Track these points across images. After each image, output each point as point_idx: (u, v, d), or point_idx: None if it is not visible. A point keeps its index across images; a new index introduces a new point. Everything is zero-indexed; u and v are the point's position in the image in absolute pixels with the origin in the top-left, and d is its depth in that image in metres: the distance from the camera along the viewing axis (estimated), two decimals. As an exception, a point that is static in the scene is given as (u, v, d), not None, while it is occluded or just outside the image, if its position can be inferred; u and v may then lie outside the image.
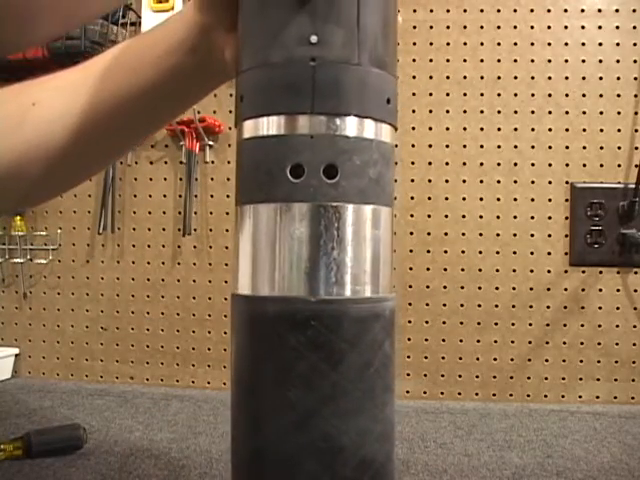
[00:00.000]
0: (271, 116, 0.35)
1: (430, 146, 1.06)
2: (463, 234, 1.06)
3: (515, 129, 1.05)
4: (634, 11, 1.03)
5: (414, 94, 1.06)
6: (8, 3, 0.46)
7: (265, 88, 0.35)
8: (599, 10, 1.04)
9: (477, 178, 1.06)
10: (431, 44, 1.06)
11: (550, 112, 1.05)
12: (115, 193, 1.12)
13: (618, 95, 1.04)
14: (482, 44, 1.06)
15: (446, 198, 1.06)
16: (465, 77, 1.06)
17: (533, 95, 1.05)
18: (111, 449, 0.76)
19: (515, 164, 1.05)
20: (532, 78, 1.05)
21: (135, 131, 0.51)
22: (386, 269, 0.38)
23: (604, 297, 1.04)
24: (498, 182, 1.06)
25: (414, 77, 1.06)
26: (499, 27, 1.05)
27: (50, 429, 0.77)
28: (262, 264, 0.35)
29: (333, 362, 0.34)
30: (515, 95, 1.05)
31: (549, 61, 1.05)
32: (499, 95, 1.05)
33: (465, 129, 1.06)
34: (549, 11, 1.05)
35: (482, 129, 1.06)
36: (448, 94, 1.06)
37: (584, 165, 1.04)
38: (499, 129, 1.05)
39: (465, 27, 1.06)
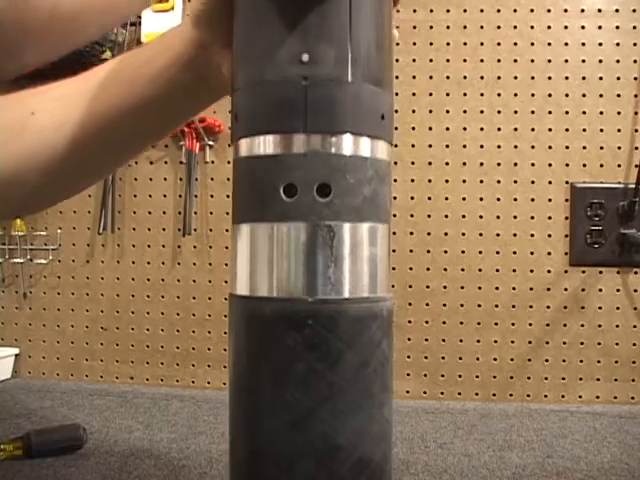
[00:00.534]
0: (265, 135, 0.35)
1: (430, 146, 1.06)
2: (463, 234, 1.06)
3: (515, 129, 1.05)
4: (634, 11, 1.03)
5: (414, 94, 1.06)
6: None
7: (258, 107, 0.35)
8: (599, 10, 1.04)
9: (477, 178, 1.06)
10: (431, 44, 1.06)
11: (550, 112, 1.05)
12: (115, 193, 1.12)
13: (618, 95, 1.04)
14: (482, 44, 1.06)
15: (446, 198, 1.06)
16: (465, 77, 1.06)
17: (533, 95, 1.05)
18: (111, 449, 0.76)
19: (515, 164, 1.05)
20: (532, 78, 1.05)
21: (133, 143, 0.51)
22: (383, 282, 0.38)
23: (604, 297, 1.04)
24: (498, 182, 1.06)
25: (414, 77, 1.06)
26: (499, 27, 1.05)
27: (50, 429, 0.77)
28: (260, 279, 0.35)
29: (330, 362, 0.34)
30: (515, 95, 1.05)
31: (549, 61, 1.05)
32: (499, 95, 1.05)
33: (465, 129, 1.06)
34: (549, 11, 1.05)
35: (482, 129, 1.06)
36: (448, 94, 1.06)
37: (584, 165, 1.04)
38: (499, 129, 1.05)
39: (465, 27, 1.06)
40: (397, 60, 1.05)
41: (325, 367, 0.33)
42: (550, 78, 1.05)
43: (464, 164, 1.06)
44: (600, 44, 1.04)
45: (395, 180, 1.07)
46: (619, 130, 1.04)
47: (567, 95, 1.04)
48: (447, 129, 1.06)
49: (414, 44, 1.05)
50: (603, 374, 1.03)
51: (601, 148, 1.04)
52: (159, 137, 0.53)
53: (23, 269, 1.14)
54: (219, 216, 1.10)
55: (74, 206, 1.14)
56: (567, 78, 1.04)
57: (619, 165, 1.04)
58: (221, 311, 1.10)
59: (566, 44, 1.04)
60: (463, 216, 1.06)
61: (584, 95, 1.04)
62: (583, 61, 1.04)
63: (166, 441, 0.80)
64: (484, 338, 1.05)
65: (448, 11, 1.06)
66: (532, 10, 1.05)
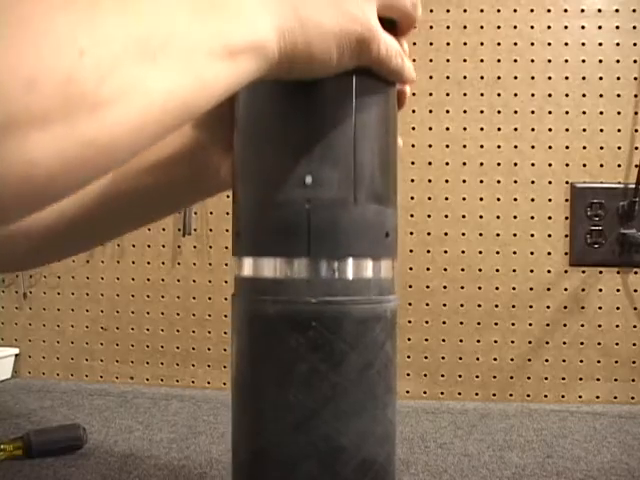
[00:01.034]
0: (266, 257, 0.35)
1: (430, 146, 1.06)
2: (463, 234, 1.06)
3: (515, 129, 1.05)
4: (634, 11, 1.03)
5: (414, 94, 1.06)
6: None
7: (261, 229, 0.36)
8: (599, 10, 1.04)
9: (477, 178, 1.06)
10: (431, 44, 1.06)
11: (550, 112, 1.05)
12: (115, 193, 1.12)
13: (618, 95, 1.04)
14: (482, 44, 1.06)
15: (446, 198, 1.06)
16: (465, 77, 1.06)
17: (533, 95, 1.05)
18: (111, 449, 0.76)
19: (515, 164, 1.05)
20: (532, 78, 1.05)
21: (119, 226, 0.51)
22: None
23: (604, 297, 1.04)
24: (498, 182, 1.06)
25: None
26: (499, 27, 1.05)
27: (50, 429, 0.77)
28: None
29: (333, 363, 0.34)
30: (515, 95, 1.05)
31: (549, 61, 1.05)
32: (499, 95, 1.05)
33: (465, 129, 1.06)
34: (549, 11, 1.05)
35: (482, 129, 1.06)
36: (448, 94, 1.06)
37: (584, 165, 1.04)
38: (499, 129, 1.05)
39: (465, 27, 1.06)
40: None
41: (328, 368, 0.34)
42: (550, 78, 1.05)
43: (464, 164, 1.06)
44: (600, 44, 1.04)
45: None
46: (619, 130, 1.04)
47: (567, 95, 1.04)
48: (447, 129, 1.06)
49: (414, 44, 1.05)
50: (603, 374, 1.03)
51: (601, 148, 1.04)
52: (146, 223, 0.53)
53: (23, 269, 1.14)
54: (219, 216, 1.10)
55: (74, 206, 1.13)
56: (567, 78, 1.04)
57: (619, 165, 1.04)
58: (221, 311, 1.10)
59: (566, 44, 1.04)
60: (463, 216, 1.06)
61: (584, 95, 1.04)
62: (583, 61, 1.04)
63: (166, 441, 0.80)
64: (484, 338, 1.05)
65: (448, 11, 1.06)
66: (532, 10, 1.05)
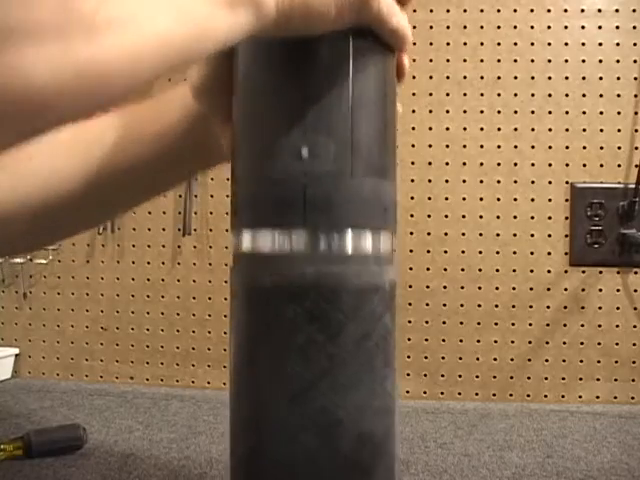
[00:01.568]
0: (264, 230, 0.35)
1: (430, 146, 1.06)
2: (463, 234, 1.06)
3: (515, 129, 1.05)
4: (634, 11, 1.03)
5: (414, 94, 1.06)
6: None
7: (258, 202, 0.35)
8: (599, 10, 1.04)
9: (477, 178, 1.06)
10: (431, 44, 1.06)
11: (550, 112, 1.05)
12: (115, 193, 1.12)
13: (618, 95, 1.04)
14: (482, 44, 1.06)
15: (446, 198, 1.06)
16: (465, 77, 1.06)
17: (533, 95, 1.05)
18: (111, 449, 0.76)
19: (515, 164, 1.05)
20: (532, 78, 1.05)
21: (124, 199, 0.51)
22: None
23: (604, 297, 1.04)
24: (498, 182, 1.06)
25: (414, 77, 1.06)
26: (499, 27, 1.05)
27: (50, 429, 0.77)
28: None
29: (330, 334, 0.33)
30: (515, 95, 1.05)
31: (549, 61, 1.05)
32: (499, 95, 1.05)
33: (465, 129, 1.06)
34: (549, 11, 1.05)
35: (482, 129, 1.06)
36: (448, 94, 1.06)
37: (584, 165, 1.04)
38: (499, 129, 1.05)
39: (465, 27, 1.06)
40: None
41: (325, 339, 0.33)
42: (550, 78, 1.05)
43: (464, 164, 1.06)
44: (600, 44, 1.04)
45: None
46: (619, 130, 1.04)
47: (567, 95, 1.04)
48: (447, 129, 1.06)
49: (414, 44, 1.05)
50: (603, 374, 1.03)
51: (601, 148, 1.04)
52: (151, 196, 0.53)
53: (23, 269, 1.14)
54: (219, 216, 1.10)
55: (74, 206, 1.13)
56: (567, 78, 1.04)
57: (619, 165, 1.04)
58: (221, 311, 1.10)
59: (566, 44, 1.04)
60: (463, 216, 1.06)
61: (584, 95, 1.04)
62: (583, 61, 1.04)
63: (166, 441, 0.80)
64: (484, 338, 1.05)
65: (448, 11, 1.06)
66: (532, 10, 1.05)
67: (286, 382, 0.34)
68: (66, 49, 0.24)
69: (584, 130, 1.04)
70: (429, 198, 1.06)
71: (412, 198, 1.06)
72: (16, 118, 0.25)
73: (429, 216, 1.06)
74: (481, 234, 1.05)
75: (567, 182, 1.05)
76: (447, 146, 1.06)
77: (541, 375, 1.04)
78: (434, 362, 1.06)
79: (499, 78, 1.06)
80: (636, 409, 0.99)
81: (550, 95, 1.05)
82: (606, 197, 1.04)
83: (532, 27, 1.05)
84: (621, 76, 1.04)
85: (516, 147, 1.05)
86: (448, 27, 1.06)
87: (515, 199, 1.05)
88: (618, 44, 1.03)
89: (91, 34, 0.25)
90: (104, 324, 1.13)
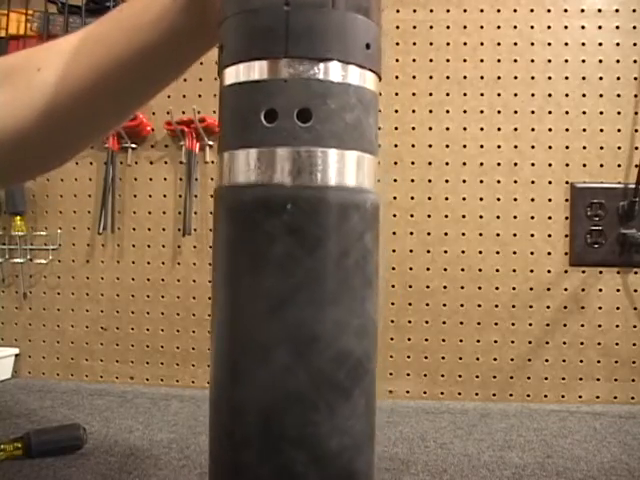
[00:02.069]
0: (247, 62, 0.35)
1: (430, 146, 1.06)
2: (463, 234, 1.06)
3: (515, 129, 1.05)
4: (634, 11, 1.03)
5: (414, 94, 1.06)
6: None
7: (242, 35, 0.35)
8: (599, 10, 1.04)
9: (477, 178, 1.06)
10: (431, 44, 1.06)
11: (550, 112, 1.05)
12: (115, 193, 1.12)
13: (618, 95, 1.04)
14: (482, 44, 1.06)
15: (446, 198, 1.06)
16: (465, 77, 1.06)
17: (533, 95, 1.05)
18: (111, 449, 0.76)
19: (515, 164, 1.05)
20: (532, 78, 1.05)
21: (135, 93, 0.51)
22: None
23: (604, 297, 1.04)
24: (498, 182, 1.06)
25: (414, 77, 1.06)
26: (499, 27, 1.05)
27: (50, 429, 0.77)
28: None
29: (308, 248, 0.33)
30: (515, 95, 1.05)
31: (549, 61, 1.05)
32: (499, 95, 1.05)
33: (465, 129, 1.06)
34: (549, 11, 1.05)
35: (482, 129, 1.06)
36: (448, 94, 1.06)
37: (584, 165, 1.04)
38: (499, 129, 1.05)
39: (465, 27, 1.06)
40: (397, 60, 1.05)
41: (303, 252, 0.33)
42: (550, 78, 1.05)
43: (464, 164, 1.06)
44: (600, 44, 1.04)
45: (395, 180, 1.07)
46: (619, 130, 1.04)
47: (567, 95, 1.04)
48: (447, 129, 1.06)
49: (414, 44, 1.05)
50: (603, 374, 1.03)
51: (601, 148, 1.04)
52: (161, 86, 0.52)
53: (23, 269, 1.14)
54: (219, 216, 1.10)
55: (74, 206, 1.14)
56: (567, 78, 1.04)
57: (619, 165, 1.04)
58: (221, 311, 1.10)
59: (566, 44, 1.04)
60: (463, 216, 1.06)
61: (584, 95, 1.04)
62: (583, 61, 1.04)
63: (166, 441, 0.80)
64: (484, 338, 1.05)
65: (448, 11, 1.06)
66: (532, 10, 1.05)
67: (263, 295, 0.33)
68: None
69: (584, 130, 1.04)
70: (429, 198, 1.06)
71: (412, 198, 1.07)
72: None
73: (429, 216, 1.06)
74: (481, 234, 1.05)
75: (567, 182, 1.05)
76: (447, 146, 1.06)
77: (541, 375, 1.04)
78: (434, 362, 1.06)
79: (499, 78, 1.06)
80: (636, 409, 0.99)
81: (550, 95, 1.05)
82: (606, 197, 1.04)
83: (532, 27, 1.05)
84: (621, 76, 1.04)
85: (516, 147, 1.05)
86: (448, 27, 1.06)
87: (515, 199, 1.05)
88: (618, 44, 1.03)
89: None
90: (104, 324, 1.13)
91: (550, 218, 1.05)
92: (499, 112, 1.05)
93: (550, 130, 1.05)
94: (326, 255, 0.33)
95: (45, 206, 1.14)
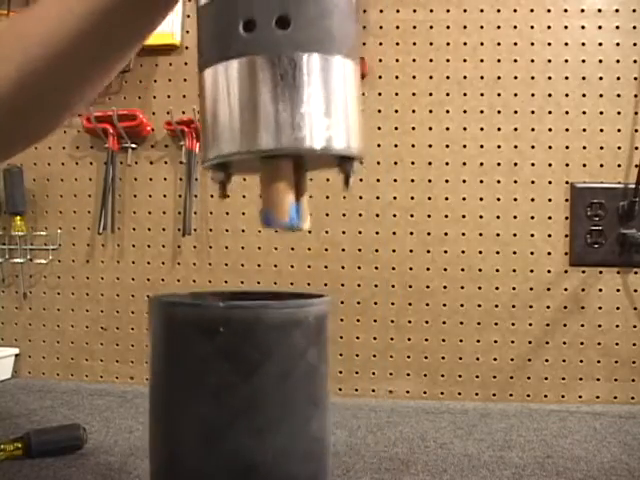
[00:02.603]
0: None
1: (430, 146, 1.06)
2: (463, 234, 1.06)
3: (515, 129, 1.05)
4: (634, 11, 1.03)
5: (414, 94, 1.06)
6: None
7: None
8: (599, 10, 1.04)
9: (477, 178, 1.06)
10: (431, 44, 1.06)
11: (550, 112, 1.05)
12: (115, 193, 1.12)
13: (618, 95, 1.04)
14: (482, 44, 1.06)
15: (446, 198, 1.06)
16: (465, 77, 1.06)
17: (533, 95, 1.05)
18: (111, 449, 0.76)
19: (515, 164, 1.05)
20: (532, 78, 1.05)
21: (94, 61, 0.48)
22: (355, 126, 0.35)
23: (604, 297, 1.04)
24: (498, 182, 1.06)
25: (414, 77, 1.06)
26: (499, 27, 1.05)
27: (50, 429, 0.77)
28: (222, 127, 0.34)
29: (244, 373, 0.31)
30: (515, 95, 1.05)
31: (549, 61, 1.05)
32: (499, 95, 1.05)
33: (465, 129, 1.06)
34: (549, 11, 1.05)
35: (482, 129, 1.06)
36: (448, 94, 1.06)
37: (584, 165, 1.04)
38: (499, 129, 1.05)
39: (465, 27, 1.06)
40: (397, 60, 1.05)
41: (239, 379, 0.31)
42: (550, 78, 1.05)
43: (464, 164, 1.06)
44: (600, 44, 1.04)
45: (395, 180, 1.07)
46: (619, 130, 1.04)
47: (567, 95, 1.04)
48: (447, 129, 1.06)
49: (414, 44, 1.05)
50: (603, 374, 1.03)
51: (601, 148, 1.04)
52: (124, 53, 0.49)
53: (23, 269, 1.14)
54: (219, 216, 1.10)
55: (74, 206, 1.14)
56: (567, 78, 1.04)
57: (619, 165, 1.04)
58: (221, 311, 1.09)
59: (566, 44, 1.04)
60: (463, 216, 1.06)
61: (584, 95, 1.04)
62: (583, 61, 1.04)
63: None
64: (484, 338, 1.05)
65: (448, 11, 1.06)
66: (532, 10, 1.05)
67: (199, 424, 0.32)
68: None
69: (584, 130, 1.04)
70: (429, 198, 1.06)
71: (412, 198, 1.06)
72: None
73: (429, 216, 1.06)
74: (481, 234, 1.05)
75: (567, 182, 1.05)
76: (447, 146, 1.06)
77: (541, 375, 1.04)
78: (434, 362, 1.06)
79: (499, 78, 1.06)
80: (636, 409, 0.99)
81: (550, 95, 1.05)
82: (606, 197, 1.04)
83: (532, 27, 1.05)
84: (621, 76, 1.04)
85: (516, 147, 1.05)
86: (448, 27, 1.06)
87: (515, 199, 1.05)
88: (618, 44, 1.03)
89: None
90: (104, 324, 1.13)
91: (550, 218, 1.05)
92: (499, 112, 1.05)
93: (550, 130, 1.05)
94: (264, 379, 0.31)
95: (45, 206, 1.14)
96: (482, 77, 1.06)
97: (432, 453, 0.77)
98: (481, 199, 1.06)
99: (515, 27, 1.05)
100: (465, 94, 1.06)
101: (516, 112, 1.05)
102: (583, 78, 1.04)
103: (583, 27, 1.04)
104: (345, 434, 0.84)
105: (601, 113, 1.04)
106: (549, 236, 1.05)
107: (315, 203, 1.06)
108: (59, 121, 0.52)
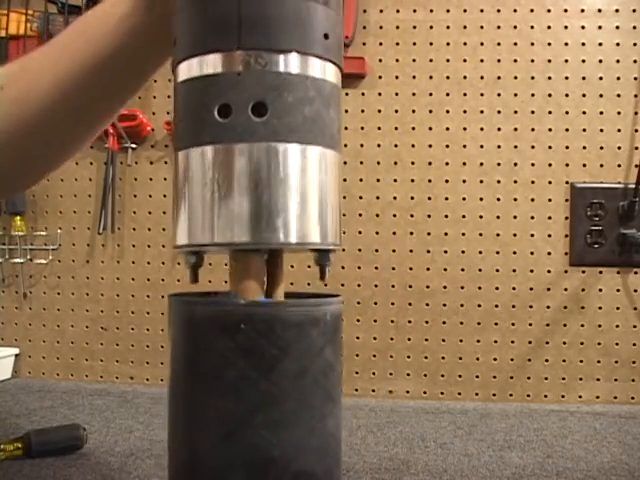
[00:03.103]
0: (200, 56, 0.33)
1: (430, 146, 1.06)
2: (463, 234, 1.06)
3: (515, 129, 1.05)
4: (634, 11, 1.03)
5: (414, 94, 1.06)
6: None
7: (194, 27, 0.34)
8: (599, 10, 1.04)
9: (477, 178, 1.06)
10: (431, 44, 1.06)
11: (550, 112, 1.05)
12: (115, 193, 1.12)
13: (618, 95, 1.04)
14: (482, 44, 1.06)
15: (446, 198, 1.06)
16: (465, 77, 1.06)
17: (533, 95, 1.05)
18: (111, 449, 0.76)
19: (515, 164, 1.05)
20: (532, 78, 1.05)
21: (102, 104, 0.49)
22: (333, 217, 0.35)
23: (604, 297, 1.04)
24: (498, 182, 1.06)
25: (414, 77, 1.06)
26: (499, 27, 1.05)
27: (50, 429, 0.77)
28: (197, 216, 0.34)
29: (264, 369, 0.32)
30: (515, 95, 1.05)
31: (549, 61, 1.05)
32: (499, 95, 1.05)
33: (465, 129, 1.06)
34: (549, 11, 1.05)
35: (482, 129, 1.06)
36: (448, 94, 1.06)
37: (584, 165, 1.04)
38: (499, 129, 1.05)
39: (465, 27, 1.06)
40: (397, 60, 1.05)
41: (258, 375, 0.32)
42: (550, 78, 1.05)
43: (464, 164, 1.06)
44: (600, 44, 1.04)
45: (395, 180, 1.07)
46: (619, 130, 1.04)
47: (567, 95, 1.04)
48: (447, 129, 1.06)
49: (414, 44, 1.05)
50: (603, 374, 1.03)
51: (601, 148, 1.04)
52: (125, 96, 0.50)
53: (23, 269, 1.14)
54: (219, 216, 1.10)
55: (74, 206, 1.14)
56: (567, 78, 1.04)
57: (619, 165, 1.04)
58: (221, 311, 1.09)
59: (566, 44, 1.04)
60: (463, 216, 1.06)
61: (584, 95, 1.04)
62: (583, 61, 1.04)
63: (166, 441, 0.80)
64: (484, 338, 1.05)
65: (448, 11, 1.06)
66: (532, 10, 1.05)
67: (217, 419, 0.32)
68: None
69: (584, 130, 1.04)
70: (429, 198, 1.06)
71: (412, 198, 1.06)
72: None
73: (429, 216, 1.06)
74: (481, 234, 1.05)
75: (567, 182, 1.05)
76: (447, 146, 1.06)
77: (541, 375, 1.04)
78: (434, 362, 1.06)
79: (499, 78, 1.06)
80: (636, 409, 0.99)
81: (550, 95, 1.05)
82: (606, 197, 1.04)
83: (532, 27, 1.05)
84: (621, 76, 1.04)
85: (516, 147, 1.05)
86: (448, 27, 1.06)
87: (515, 199, 1.05)
88: (618, 44, 1.03)
89: None
90: (104, 324, 1.13)
91: (550, 218, 1.05)
92: (499, 112, 1.05)
93: (550, 130, 1.05)
94: (282, 376, 0.32)
95: (45, 206, 1.14)
96: (482, 77, 1.06)
97: (432, 453, 0.77)
98: (481, 199, 1.06)
99: (515, 27, 1.05)
100: (465, 94, 1.06)
101: (516, 112, 1.05)
102: (583, 78, 1.04)
103: (583, 27, 1.04)
104: (345, 434, 0.84)
105: (601, 113, 1.04)
106: (549, 236, 1.05)
107: (315, 203, 1.06)
108: (53, 166, 0.53)
